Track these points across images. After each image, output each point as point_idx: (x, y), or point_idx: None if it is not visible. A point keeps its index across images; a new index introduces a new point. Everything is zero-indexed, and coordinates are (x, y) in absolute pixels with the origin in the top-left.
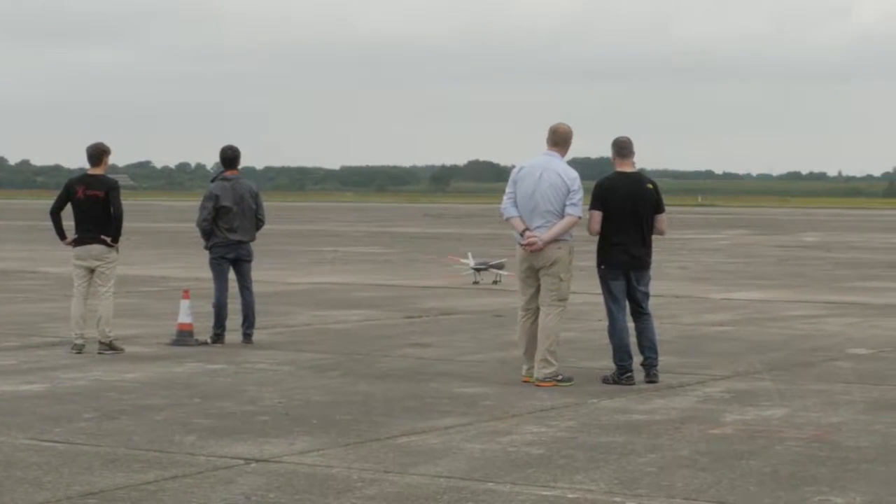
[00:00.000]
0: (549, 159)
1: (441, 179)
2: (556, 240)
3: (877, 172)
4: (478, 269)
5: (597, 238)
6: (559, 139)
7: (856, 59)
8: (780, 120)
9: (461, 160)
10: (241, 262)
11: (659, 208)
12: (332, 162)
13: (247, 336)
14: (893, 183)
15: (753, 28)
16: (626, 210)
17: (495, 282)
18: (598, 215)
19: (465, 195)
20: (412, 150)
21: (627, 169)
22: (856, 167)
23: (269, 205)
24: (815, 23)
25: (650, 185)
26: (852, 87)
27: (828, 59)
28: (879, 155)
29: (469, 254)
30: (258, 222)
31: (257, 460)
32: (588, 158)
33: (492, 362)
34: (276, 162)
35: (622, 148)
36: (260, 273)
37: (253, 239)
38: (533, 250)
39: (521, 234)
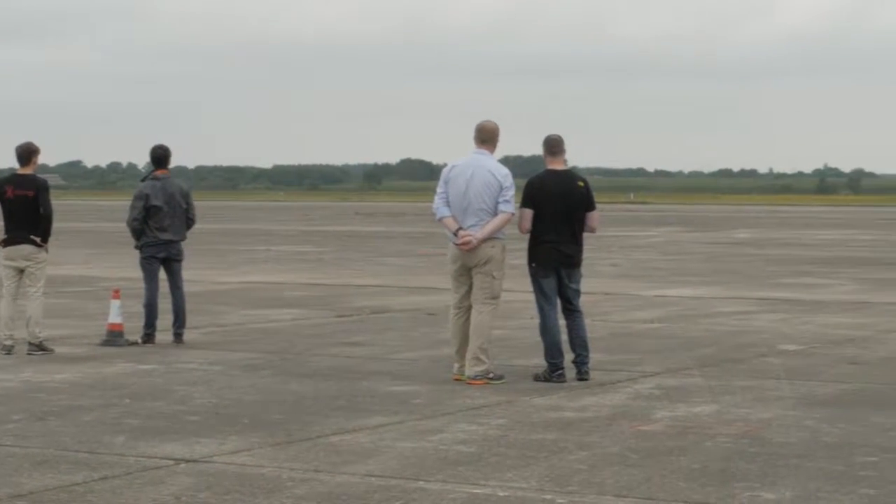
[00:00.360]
0: (480, 157)
1: (373, 178)
2: (489, 238)
3: (807, 169)
4: None
5: (528, 236)
6: (487, 136)
7: (786, 56)
8: (712, 118)
9: (393, 159)
10: (171, 262)
11: (590, 206)
12: (265, 161)
13: (178, 336)
14: (824, 180)
15: (685, 26)
16: (557, 208)
17: None
18: (528, 213)
19: (397, 193)
20: (344, 148)
21: (558, 167)
22: (787, 164)
23: (201, 204)
24: (745, 20)
25: (581, 183)
26: (783, 84)
27: (759, 57)
28: (810, 152)
29: None
30: (189, 221)
31: (187, 460)
32: (520, 156)
33: (423, 361)
34: (209, 161)
35: (553, 146)
36: (191, 272)
37: (183, 238)
38: (467, 249)
39: (455, 234)
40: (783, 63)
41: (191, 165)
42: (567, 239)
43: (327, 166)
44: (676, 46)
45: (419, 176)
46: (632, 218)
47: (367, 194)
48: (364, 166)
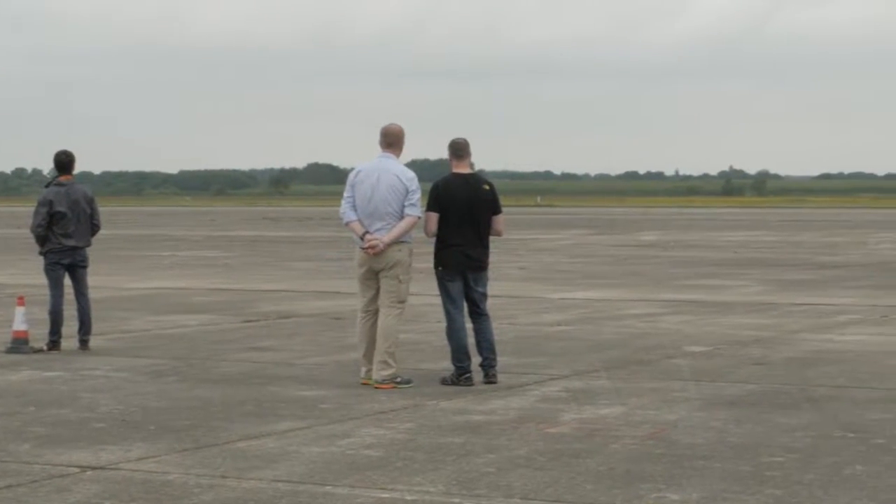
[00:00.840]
0: (386, 161)
1: (280, 182)
2: (396, 242)
3: (713, 171)
4: None
5: (434, 240)
6: (392, 140)
7: (691, 58)
8: (618, 120)
9: (300, 163)
10: (76, 268)
11: (496, 209)
12: (171, 166)
13: (83, 343)
14: (729, 181)
15: (588, 28)
16: (463, 211)
17: None
18: (434, 217)
19: (304, 198)
20: (251, 153)
21: (464, 170)
22: (693, 166)
23: (107, 209)
24: (649, 22)
25: (487, 187)
26: (688, 86)
27: (663, 59)
28: (715, 154)
29: None
30: (94, 227)
31: (93, 468)
32: (427, 160)
33: (331, 365)
34: (115, 166)
35: (458, 149)
36: (96, 279)
37: (88, 244)
38: (374, 253)
39: (361, 238)
40: (688, 65)
41: (96, 171)
42: (473, 242)
43: (234, 171)
44: (581, 49)
45: (326, 180)
46: (539, 221)
47: (275, 199)
48: (271, 171)
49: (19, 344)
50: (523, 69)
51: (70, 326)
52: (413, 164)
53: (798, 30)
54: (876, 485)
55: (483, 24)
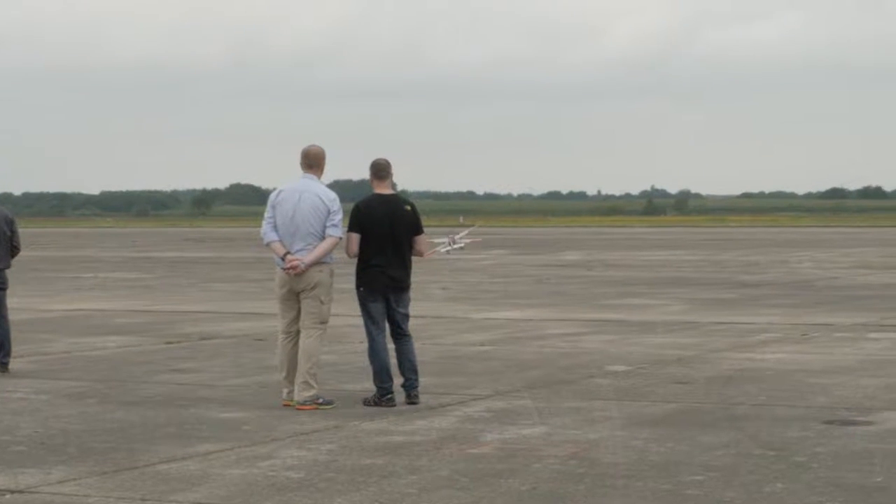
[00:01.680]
0: (308, 182)
1: (203, 203)
2: (317, 262)
3: (635, 191)
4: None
5: (356, 260)
6: (313, 161)
7: (611, 78)
8: (540, 141)
9: (223, 184)
10: None
11: (417, 230)
12: (92, 187)
13: (2, 365)
14: (651, 201)
15: (508, 49)
16: (384, 232)
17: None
18: (355, 237)
19: (227, 219)
20: (173, 174)
21: (385, 191)
22: (615, 186)
23: (28, 231)
24: (569, 43)
25: (408, 207)
26: (609, 106)
27: (584, 80)
28: (637, 174)
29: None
30: (13, 249)
31: (12, 491)
32: (350, 181)
33: (252, 386)
34: (35, 187)
35: (380, 170)
36: (16, 300)
37: (8, 266)
38: (295, 273)
39: (283, 258)
40: (609, 85)
41: (17, 192)
42: (395, 263)
43: (156, 192)
44: (502, 70)
45: (249, 201)
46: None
47: (197, 220)
48: (193, 192)
49: None
50: (444, 90)
51: None
52: (335, 185)
53: (717, 50)
54: (795, 502)
55: (403, 44)
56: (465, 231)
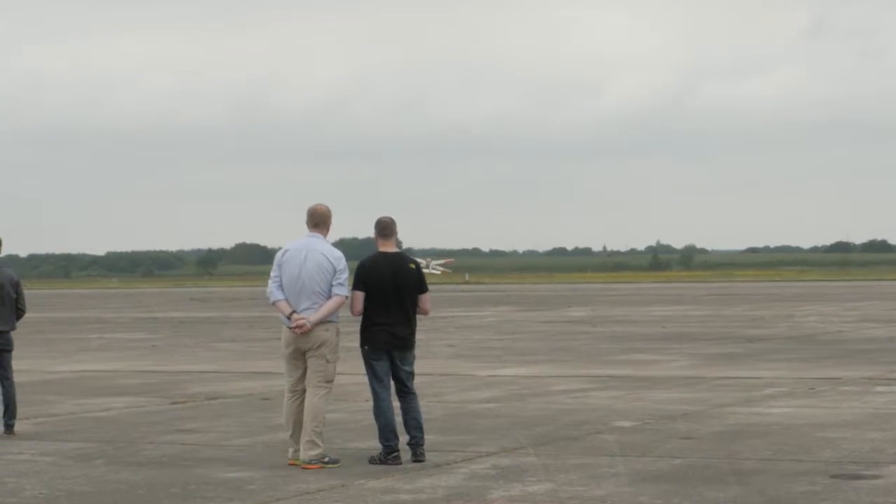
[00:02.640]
0: (313, 241)
1: (208, 263)
2: (323, 321)
3: (640, 246)
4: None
5: (360, 318)
6: (319, 220)
7: (614, 134)
8: (545, 197)
9: (228, 243)
10: (1, 352)
11: (422, 288)
12: (98, 248)
13: (8, 427)
14: (656, 256)
15: (510, 106)
16: (389, 290)
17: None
18: (360, 296)
19: (232, 278)
20: (178, 234)
21: (390, 249)
22: (620, 242)
23: (33, 292)
24: (570, 100)
25: (413, 265)
26: (614, 162)
27: (587, 136)
28: (642, 229)
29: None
30: (18, 311)
31: None
32: (355, 238)
33: (258, 446)
34: (41, 249)
35: (384, 228)
36: (22, 362)
37: (13, 328)
38: (301, 332)
39: (289, 317)
40: (612, 141)
41: (23, 254)
42: (399, 321)
43: (161, 252)
44: (505, 126)
45: (254, 260)
46: (467, 298)
47: (202, 279)
48: (198, 251)
49: None
50: (447, 147)
51: None
52: (341, 243)
53: (719, 104)
54: None
55: (405, 102)
56: (442, 260)
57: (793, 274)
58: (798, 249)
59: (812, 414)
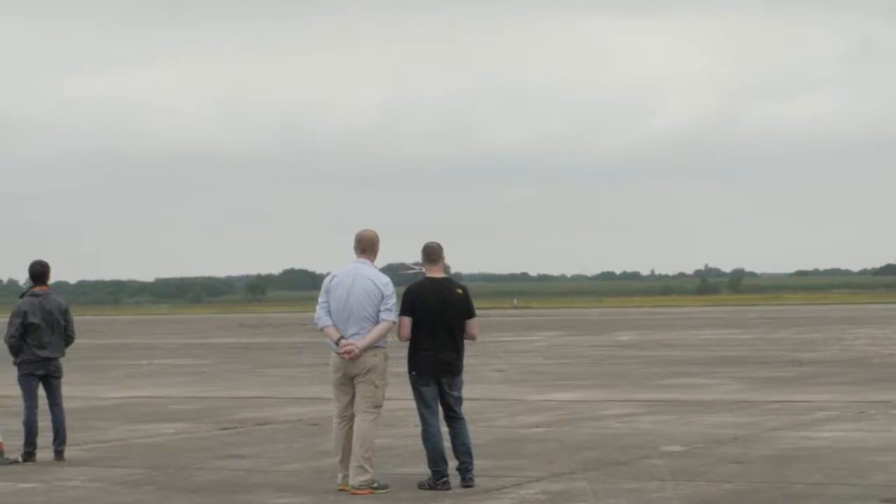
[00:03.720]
0: (361, 266)
1: (257, 289)
2: (371, 347)
3: (689, 270)
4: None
5: (408, 344)
6: (366, 246)
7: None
8: (593, 220)
9: (276, 269)
10: (50, 379)
11: (469, 313)
12: (147, 274)
13: (58, 453)
14: (705, 280)
15: (557, 129)
16: (436, 316)
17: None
18: (407, 321)
19: (280, 304)
20: (227, 260)
21: (437, 274)
22: (668, 265)
23: (83, 319)
24: (615, 124)
25: (460, 291)
26: (662, 185)
27: (636, 159)
28: (691, 253)
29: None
30: (67, 339)
31: None
32: (403, 264)
33: (308, 471)
34: (90, 275)
35: (431, 254)
36: (71, 388)
37: (62, 355)
38: (350, 358)
39: (337, 343)
40: (661, 164)
41: (72, 280)
42: (447, 346)
43: (210, 278)
44: (552, 150)
45: (302, 286)
46: (516, 323)
47: (251, 305)
48: (247, 277)
49: None
50: (493, 171)
51: (45, 437)
52: (388, 269)
53: (766, 126)
54: None
55: (450, 127)
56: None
57: (843, 297)
58: (847, 272)
59: (863, 438)
